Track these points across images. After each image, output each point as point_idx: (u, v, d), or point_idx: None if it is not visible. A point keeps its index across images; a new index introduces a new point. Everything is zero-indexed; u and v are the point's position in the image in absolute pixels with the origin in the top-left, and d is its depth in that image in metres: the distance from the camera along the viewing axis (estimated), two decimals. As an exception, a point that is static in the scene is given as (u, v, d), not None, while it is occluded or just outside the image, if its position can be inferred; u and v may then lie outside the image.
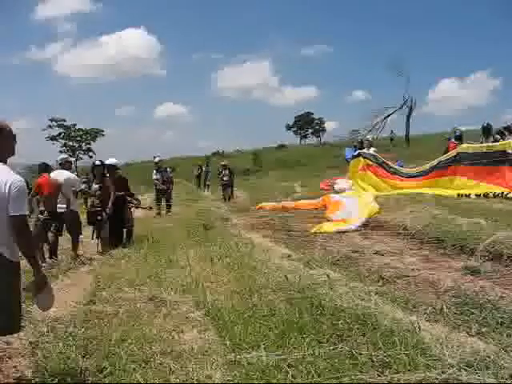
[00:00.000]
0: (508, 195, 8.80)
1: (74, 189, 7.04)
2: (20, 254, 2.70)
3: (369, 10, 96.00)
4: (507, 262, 5.09)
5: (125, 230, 7.91)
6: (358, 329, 3.02)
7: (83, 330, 3.43)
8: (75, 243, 7.00)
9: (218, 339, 3.13)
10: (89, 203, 8.03)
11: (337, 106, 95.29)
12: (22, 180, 2.69)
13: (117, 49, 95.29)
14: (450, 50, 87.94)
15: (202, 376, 2.61)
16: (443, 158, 11.09)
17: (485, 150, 10.05)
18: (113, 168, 7.95)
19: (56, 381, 2.70)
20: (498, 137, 10.65)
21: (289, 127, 64.87)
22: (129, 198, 8.15)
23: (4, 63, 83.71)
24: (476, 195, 9.32)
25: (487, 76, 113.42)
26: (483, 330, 3.15)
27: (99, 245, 7.43)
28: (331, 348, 2.77)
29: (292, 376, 2.49)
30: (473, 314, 3.50)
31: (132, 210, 8.39)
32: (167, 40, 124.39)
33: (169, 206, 13.54)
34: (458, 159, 10.43)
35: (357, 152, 13.85)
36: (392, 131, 38.34)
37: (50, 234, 6.76)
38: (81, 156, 49.87)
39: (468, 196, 9.41)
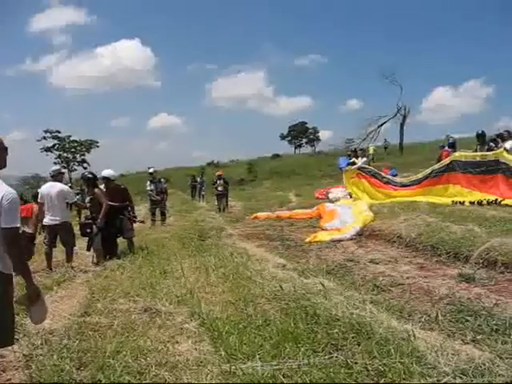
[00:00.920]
0: (502, 202, 8.85)
1: (67, 201, 7.03)
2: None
3: (362, 19, 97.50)
4: (502, 268, 5.11)
5: (126, 240, 7.86)
6: (353, 338, 3.02)
7: (77, 342, 3.39)
8: (69, 255, 6.99)
9: (212, 350, 3.10)
10: (82, 215, 8.00)
11: (331, 115, 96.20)
12: (14, 192, 2.68)
13: (111, 60, 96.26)
14: (443, 59, 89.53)
15: (197, 387, 2.59)
16: (436, 166, 11.16)
17: (478, 159, 10.12)
18: (107, 180, 7.93)
19: (50, 394, 2.67)
20: (492, 144, 10.71)
21: (283, 137, 65.19)
22: (128, 209, 8.04)
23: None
24: (470, 202, 9.36)
25: (480, 84, 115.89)
26: (478, 337, 3.15)
27: (94, 256, 7.39)
28: (326, 357, 2.76)
29: (287, 386, 2.48)
30: (468, 321, 3.51)
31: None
32: (162, 51, 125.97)
33: (163, 217, 13.55)
34: (452, 167, 10.51)
35: (351, 160, 13.90)
36: (386, 140, 38.73)
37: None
38: (75, 167, 49.90)
39: (462, 203, 9.46)
